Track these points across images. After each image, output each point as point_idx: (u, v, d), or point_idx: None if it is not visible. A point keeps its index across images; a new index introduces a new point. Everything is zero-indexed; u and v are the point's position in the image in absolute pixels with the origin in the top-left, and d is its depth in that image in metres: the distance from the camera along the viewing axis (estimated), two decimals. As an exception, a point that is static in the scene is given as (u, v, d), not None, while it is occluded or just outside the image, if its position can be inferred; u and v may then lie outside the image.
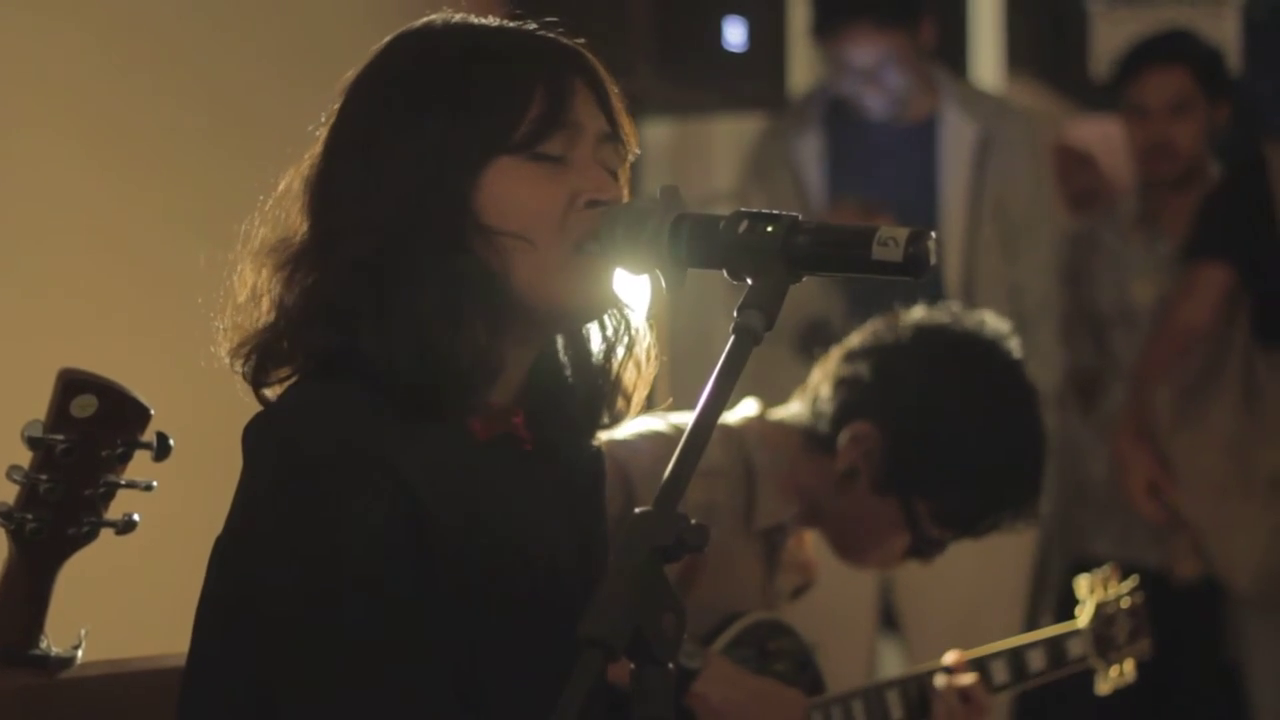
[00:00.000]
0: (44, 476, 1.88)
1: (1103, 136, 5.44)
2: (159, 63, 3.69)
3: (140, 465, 1.93)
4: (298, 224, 1.84)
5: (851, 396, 2.65)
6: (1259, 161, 4.52)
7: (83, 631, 1.99)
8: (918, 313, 2.71)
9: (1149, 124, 4.74)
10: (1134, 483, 4.49)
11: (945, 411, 2.62)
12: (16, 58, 3.49)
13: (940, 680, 2.66)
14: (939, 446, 2.61)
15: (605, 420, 1.93)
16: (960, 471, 2.62)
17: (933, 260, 1.63)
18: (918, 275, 1.63)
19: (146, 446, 1.92)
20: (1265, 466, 4.41)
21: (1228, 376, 4.44)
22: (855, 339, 2.71)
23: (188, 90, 3.72)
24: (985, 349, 2.68)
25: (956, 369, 2.65)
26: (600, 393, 1.91)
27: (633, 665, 1.53)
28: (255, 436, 1.77)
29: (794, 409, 2.73)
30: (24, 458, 1.89)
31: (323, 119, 1.87)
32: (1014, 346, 2.70)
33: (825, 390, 2.68)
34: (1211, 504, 4.46)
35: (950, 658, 2.70)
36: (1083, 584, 2.86)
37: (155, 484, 1.95)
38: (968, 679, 2.67)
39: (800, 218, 1.68)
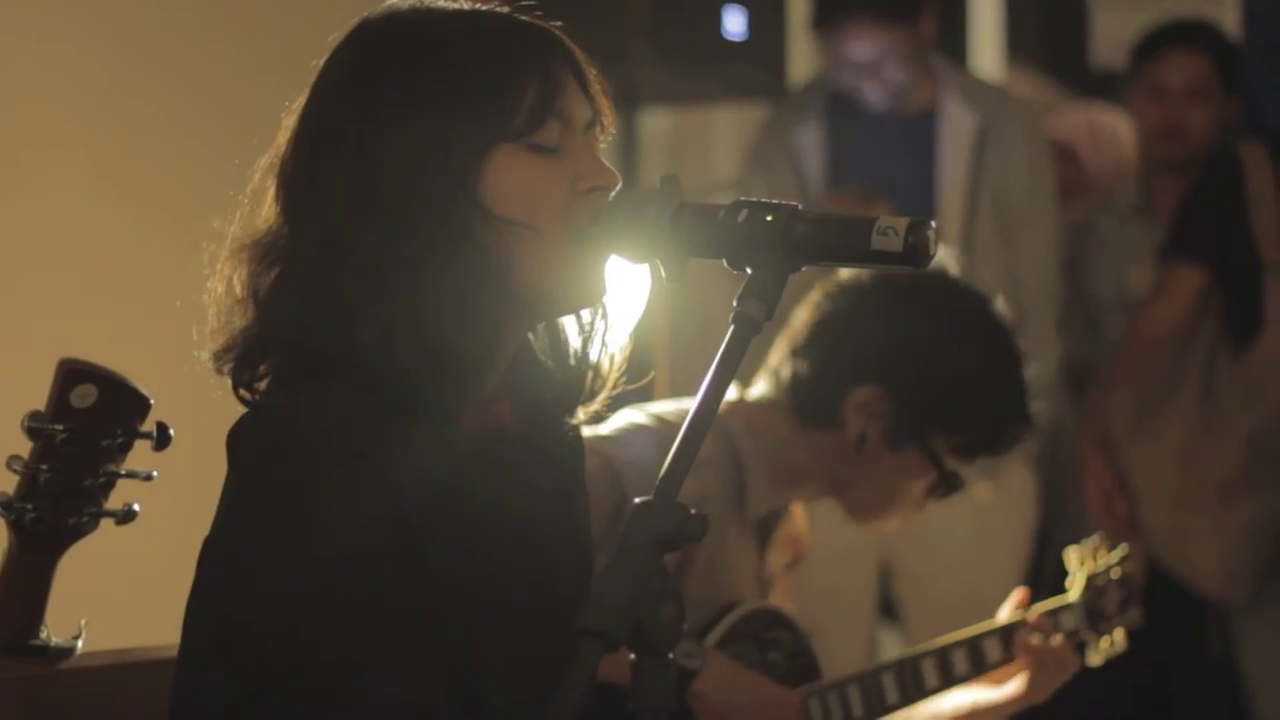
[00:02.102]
0: (44, 466, 1.87)
1: (1086, 125, 5.43)
2: (153, 62, 3.69)
3: (140, 455, 1.93)
4: (270, 218, 1.81)
5: (837, 367, 2.66)
6: (1234, 161, 4.52)
7: (82, 621, 1.99)
8: (846, 271, 2.72)
9: (1165, 104, 4.74)
10: (1090, 493, 4.52)
11: (931, 346, 2.67)
12: (16, 70, 3.49)
13: (1032, 636, 2.69)
14: (940, 380, 2.65)
15: (583, 399, 1.93)
16: (966, 394, 2.67)
17: (933, 250, 1.63)
18: (918, 265, 1.63)
19: (146, 436, 1.92)
20: (1216, 474, 4.42)
21: (1187, 382, 4.44)
22: (807, 313, 2.72)
23: (181, 84, 3.72)
24: (933, 277, 2.72)
25: (919, 301, 2.70)
26: (578, 378, 1.92)
27: (633, 655, 1.54)
28: (240, 441, 1.75)
29: (763, 389, 2.73)
30: (24, 448, 1.89)
31: (286, 108, 1.84)
32: (948, 262, 2.75)
33: (803, 368, 2.68)
34: (1166, 513, 4.47)
35: (1016, 606, 2.73)
36: (1072, 556, 2.87)
37: (155, 474, 1.94)
38: (1058, 638, 2.71)
39: (800, 207, 1.68)
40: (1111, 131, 5.10)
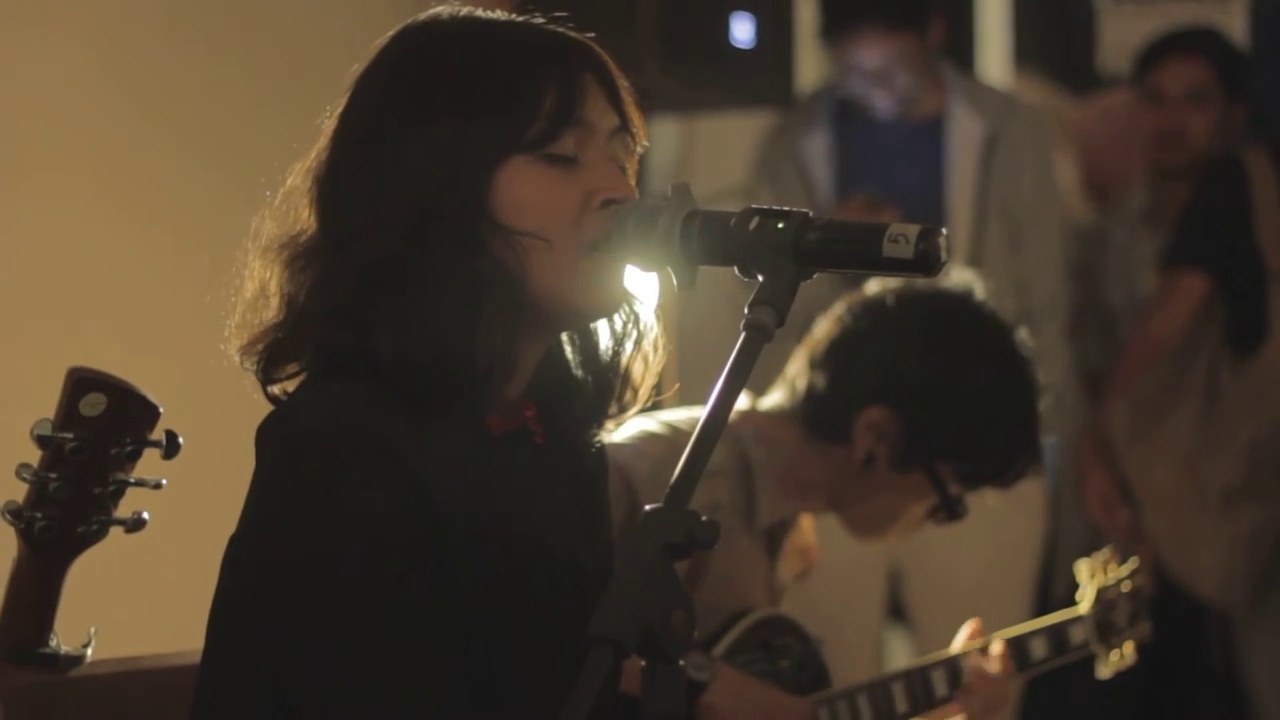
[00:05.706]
0: (53, 475, 1.88)
1: (1102, 115, 5.42)
2: (160, 69, 3.69)
3: (149, 463, 1.93)
4: (306, 219, 1.83)
5: (852, 384, 2.67)
6: (1239, 167, 4.51)
7: (92, 630, 1.99)
8: (875, 286, 2.73)
9: (1164, 111, 4.73)
10: (1089, 500, 4.52)
11: (947, 374, 2.67)
12: (21, 76, 3.50)
13: (973, 660, 2.67)
14: (952, 409, 2.65)
15: (613, 410, 1.93)
16: (978, 425, 2.67)
17: (944, 257, 1.63)
18: (929, 272, 1.63)
19: (155, 445, 1.92)
20: (1219, 480, 4.41)
21: (1189, 389, 4.44)
22: (828, 327, 2.72)
23: (188, 91, 3.73)
24: (958, 303, 2.73)
25: (942, 330, 2.71)
26: (609, 386, 1.92)
27: (644, 663, 1.53)
28: (268, 436, 1.77)
29: (777, 398, 2.74)
30: (33, 456, 1.89)
31: (327, 112, 1.86)
32: (979, 290, 2.75)
33: (819, 381, 2.68)
34: (1168, 519, 4.47)
35: (970, 636, 2.71)
36: (1083, 569, 2.87)
37: (164, 482, 1.95)
38: (997, 648, 2.69)
39: (811, 214, 1.68)
40: (1122, 115, 5.10)
